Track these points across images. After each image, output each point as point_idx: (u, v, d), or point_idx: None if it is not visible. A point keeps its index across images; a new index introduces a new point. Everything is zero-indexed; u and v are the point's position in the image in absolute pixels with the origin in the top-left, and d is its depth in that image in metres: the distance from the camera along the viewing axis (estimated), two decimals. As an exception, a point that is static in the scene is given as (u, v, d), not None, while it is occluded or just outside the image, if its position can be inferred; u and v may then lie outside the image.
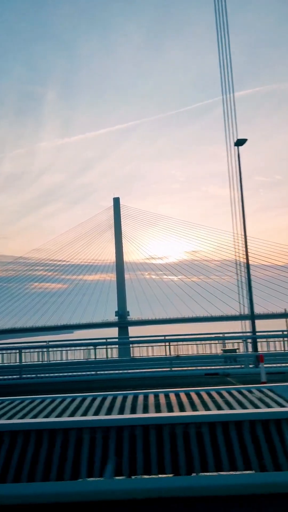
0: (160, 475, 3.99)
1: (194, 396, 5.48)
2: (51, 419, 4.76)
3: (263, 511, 3.45)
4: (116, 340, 26.95)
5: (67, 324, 59.32)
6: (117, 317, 59.25)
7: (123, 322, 58.68)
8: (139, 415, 4.75)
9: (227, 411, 4.67)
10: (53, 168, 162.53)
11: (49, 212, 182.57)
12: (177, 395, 5.58)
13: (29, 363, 19.11)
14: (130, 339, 23.48)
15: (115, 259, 60.09)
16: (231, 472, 4.01)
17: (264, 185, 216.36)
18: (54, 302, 58.73)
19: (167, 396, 5.54)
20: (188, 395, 5.55)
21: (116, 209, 60.44)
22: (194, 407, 4.93)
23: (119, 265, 59.64)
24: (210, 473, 4.05)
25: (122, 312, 58.89)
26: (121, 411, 5.00)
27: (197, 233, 57.52)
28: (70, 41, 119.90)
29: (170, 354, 18.66)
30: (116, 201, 60.80)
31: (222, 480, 3.78)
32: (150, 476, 3.99)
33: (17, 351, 19.46)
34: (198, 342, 19.57)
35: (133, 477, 4.14)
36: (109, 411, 4.99)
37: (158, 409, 4.97)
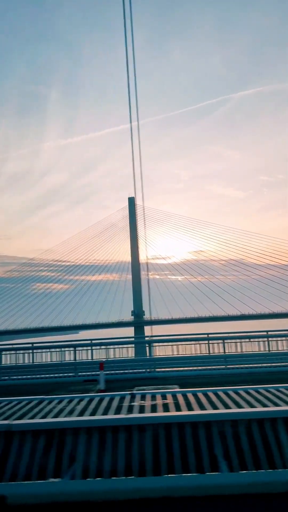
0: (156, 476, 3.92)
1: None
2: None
3: (264, 510, 3.35)
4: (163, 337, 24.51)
5: (83, 324, 59.50)
6: (133, 317, 59.09)
7: (139, 321, 58.51)
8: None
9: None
10: (56, 168, 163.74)
11: (52, 212, 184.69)
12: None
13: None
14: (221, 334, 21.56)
15: (131, 259, 60.01)
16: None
17: (268, 184, 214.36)
18: (69, 302, 58.82)
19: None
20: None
21: (131, 209, 60.38)
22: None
23: (135, 266, 59.52)
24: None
25: (138, 312, 58.72)
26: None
27: (207, 231, 57.46)
28: (73, 41, 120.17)
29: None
30: (131, 200, 60.70)
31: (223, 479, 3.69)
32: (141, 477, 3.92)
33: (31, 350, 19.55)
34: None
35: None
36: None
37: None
